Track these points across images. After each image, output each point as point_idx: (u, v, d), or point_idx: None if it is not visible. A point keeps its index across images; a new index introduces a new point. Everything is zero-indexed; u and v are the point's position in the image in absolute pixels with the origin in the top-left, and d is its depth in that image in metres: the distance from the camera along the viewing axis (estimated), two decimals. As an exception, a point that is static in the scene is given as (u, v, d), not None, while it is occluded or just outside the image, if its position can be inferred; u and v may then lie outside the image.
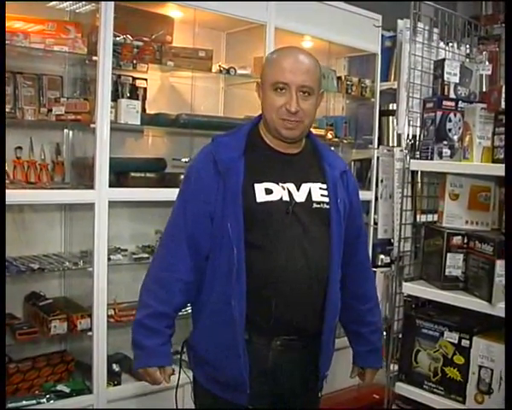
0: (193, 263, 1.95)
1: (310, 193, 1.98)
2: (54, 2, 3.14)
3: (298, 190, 1.97)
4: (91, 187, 2.99)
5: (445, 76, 2.67)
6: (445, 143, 2.57)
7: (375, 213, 3.46)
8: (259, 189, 1.93)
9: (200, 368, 2.04)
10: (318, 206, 1.98)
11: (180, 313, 2.03)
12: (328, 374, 2.12)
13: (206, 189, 1.94)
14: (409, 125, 2.73)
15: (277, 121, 1.93)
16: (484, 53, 2.80)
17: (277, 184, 1.95)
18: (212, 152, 1.97)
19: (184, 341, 2.10)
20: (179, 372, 2.07)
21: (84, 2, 3.16)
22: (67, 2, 3.17)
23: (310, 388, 2.08)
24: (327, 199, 1.99)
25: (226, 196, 1.91)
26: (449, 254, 2.53)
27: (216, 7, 3.33)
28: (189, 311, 2.10)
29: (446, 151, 2.57)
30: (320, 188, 2.01)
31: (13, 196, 2.77)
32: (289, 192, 1.95)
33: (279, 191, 1.94)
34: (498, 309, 2.31)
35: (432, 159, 2.59)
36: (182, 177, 2.24)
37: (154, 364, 1.95)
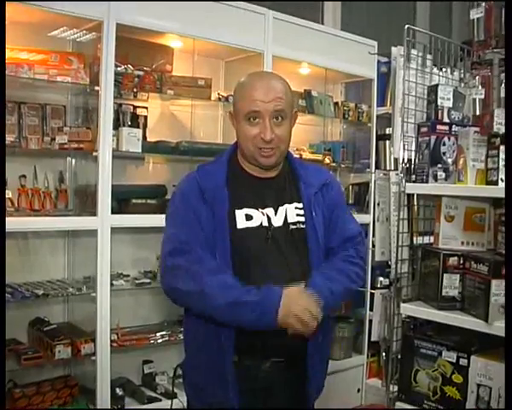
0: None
1: (286, 215, 1.98)
2: (55, 32, 3.19)
3: (276, 213, 1.98)
4: (94, 214, 3.04)
5: (439, 101, 2.69)
6: (440, 166, 2.59)
7: (373, 235, 3.49)
8: (240, 215, 1.94)
9: (195, 396, 2.03)
10: (295, 227, 1.98)
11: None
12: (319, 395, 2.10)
13: (196, 211, 1.92)
14: (404, 149, 2.75)
15: (254, 150, 1.93)
16: (477, 78, 2.83)
17: (257, 209, 1.96)
18: (197, 180, 1.98)
19: (177, 366, 2.09)
20: (171, 398, 2.06)
21: (85, 31, 3.22)
22: (69, 32, 3.22)
23: (300, 407, 2.05)
24: (302, 218, 1.99)
25: (215, 224, 1.90)
26: (445, 275, 2.54)
27: (214, 36, 3.41)
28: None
29: (441, 174, 2.59)
30: (296, 208, 2.00)
31: (17, 223, 2.84)
32: (268, 217, 1.96)
33: (259, 217, 1.96)
34: (495, 328, 2.33)
35: (427, 182, 2.61)
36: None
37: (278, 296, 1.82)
